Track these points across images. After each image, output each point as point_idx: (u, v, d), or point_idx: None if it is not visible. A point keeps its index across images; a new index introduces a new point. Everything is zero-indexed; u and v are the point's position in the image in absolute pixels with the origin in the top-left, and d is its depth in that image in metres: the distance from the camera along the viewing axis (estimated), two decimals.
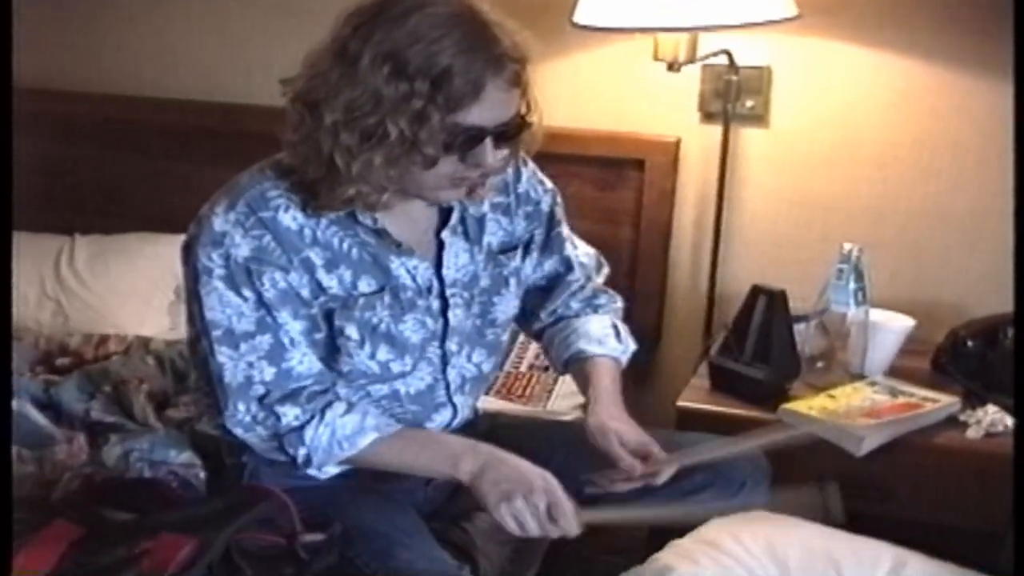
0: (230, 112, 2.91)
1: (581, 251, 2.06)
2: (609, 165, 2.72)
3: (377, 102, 1.60)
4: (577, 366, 1.97)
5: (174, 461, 2.04)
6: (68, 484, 1.93)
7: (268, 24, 2.90)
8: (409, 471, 1.81)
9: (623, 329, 2.04)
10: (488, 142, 1.65)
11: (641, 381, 2.78)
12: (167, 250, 2.35)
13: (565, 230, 2.03)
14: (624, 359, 2.02)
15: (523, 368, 2.59)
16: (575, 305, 2.03)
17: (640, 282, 2.76)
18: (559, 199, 2.01)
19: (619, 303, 2.08)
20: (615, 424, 1.83)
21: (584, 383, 1.94)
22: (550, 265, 2.02)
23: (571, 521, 1.67)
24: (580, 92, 2.70)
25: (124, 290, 2.73)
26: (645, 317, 2.78)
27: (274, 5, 2.91)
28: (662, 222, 2.72)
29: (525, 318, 2.05)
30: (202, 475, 1.96)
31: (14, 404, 2.23)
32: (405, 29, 1.60)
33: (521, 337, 2.55)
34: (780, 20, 2.31)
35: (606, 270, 2.10)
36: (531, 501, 1.66)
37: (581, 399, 2.42)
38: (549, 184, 1.99)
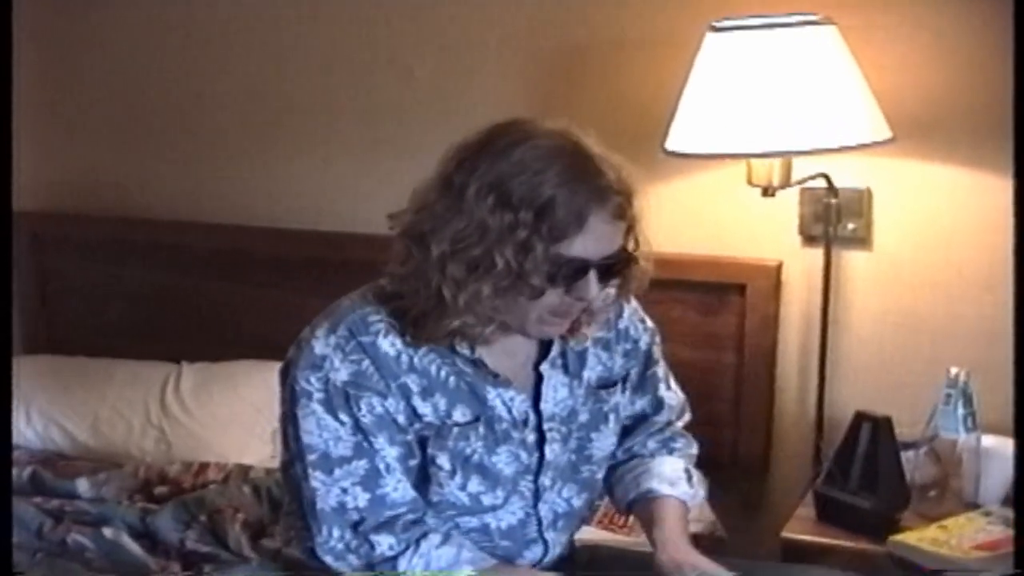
0: (335, 241, 2.96)
1: (671, 393, 2.04)
2: (711, 290, 2.69)
3: (483, 233, 1.61)
4: (644, 505, 1.92)
5: None
6: None
7: (370, 158, 2.97)
8: None
9: (696, 474, 1.99)
10: (592, 275, 1.65)
11: (749, 511, 2.73)
12: (271, 377, 2.36)
13: (661, 370, 2.01)
14: (693, 504, 1.96)
15: None
16: (651, 445, 1.99)
17: (745, 409, 2.72)
18: (658, 338, 2.00)
19: (695, 449, 2.04)
20: (691, 558, 1.77)
21: (650, 522, 1.87)
22: (640, 404, 2.00)
23: None
24: (680, 217, 2.69)
25: (227, 418, 2.76)
26: (751, 445, 2.73)
27: (375, 140, 2.98)
28: (766, 347, 2.68)
29: None
30: None
31: (109, 533, 2.26)
32: (509, 161, 1.62)
33: None
34: (873, 144, 2.30)
35: (688, 416, 2.06)
36: None
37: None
38: (650, 323, 1.98)
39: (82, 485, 2.52)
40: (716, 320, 2.71)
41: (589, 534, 2.26)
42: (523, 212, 1.59)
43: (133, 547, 2.24)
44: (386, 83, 2.97)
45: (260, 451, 2.69)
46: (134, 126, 3.26)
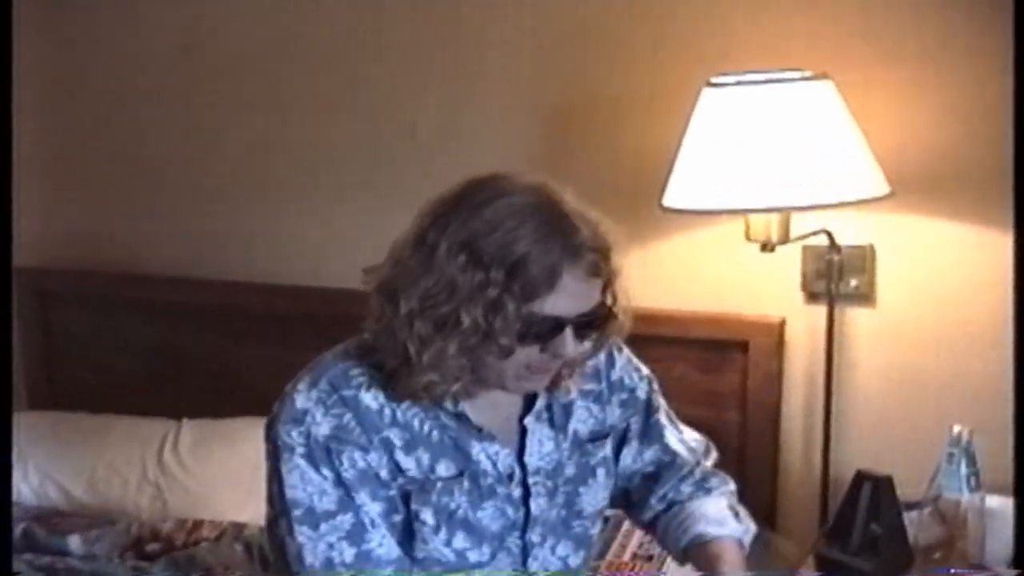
0: (337, 297, 2.93)
1: (688, 436, 2.00)
2: (713, 347, 2.67)
3: (452, 291, 1.59)
4: (698, 550, 1.86)
5: None
6: None
7: (372, 214, 2.96)
8: None
9: (741, 510, 1.95)
10: (568, 332, 1.62)
11: (754, 571, 2.68)
12: None
13: (664, 417, 1.98)
14: (747, 540, 1.91)
15: (626, 557, 2.51)
16: (686, 489, 1.95)
17: (750, 467, 2.68)
18: (655, 386, 1.96)
19: (732, 485, 1.99)
20: None
21: (709, 566, 1.82)
22: (651, 454, 1.96)
23: None
24: (681, 274, 2.68)
25: (224, 475, 2.74)
26: (756, 504, 2.66)
27: (377, 196, 2.98)
28: (769, 405, 2.64)
29: (635, 508, 1.98)
30: None
31: None
32: (482, 218, 1.60)
33: (626, 524, 2.49)
34: (871, 199, 2.28)
35: (715, 455, 2.02)
36: None
37: None
38: (645, 371, 1.95)
39: (74, 542, 2.51)
40: (718, 378, 2.68)
41: None
42: (494, 271, 1.57)
43: None
44: (388, 139, 2.98)
45: (256, 509, 2.61)
46: (136, 183, 3.29)
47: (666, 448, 1.96)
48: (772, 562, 2.66)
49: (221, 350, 3.14)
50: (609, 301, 1.70)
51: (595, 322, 1.67)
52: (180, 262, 3.22)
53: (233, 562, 2.34)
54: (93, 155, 3.32)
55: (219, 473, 2.77)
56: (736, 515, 1.91)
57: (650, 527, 1.98)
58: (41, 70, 3.25)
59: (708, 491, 1.95)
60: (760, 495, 2.68)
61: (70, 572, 2.38)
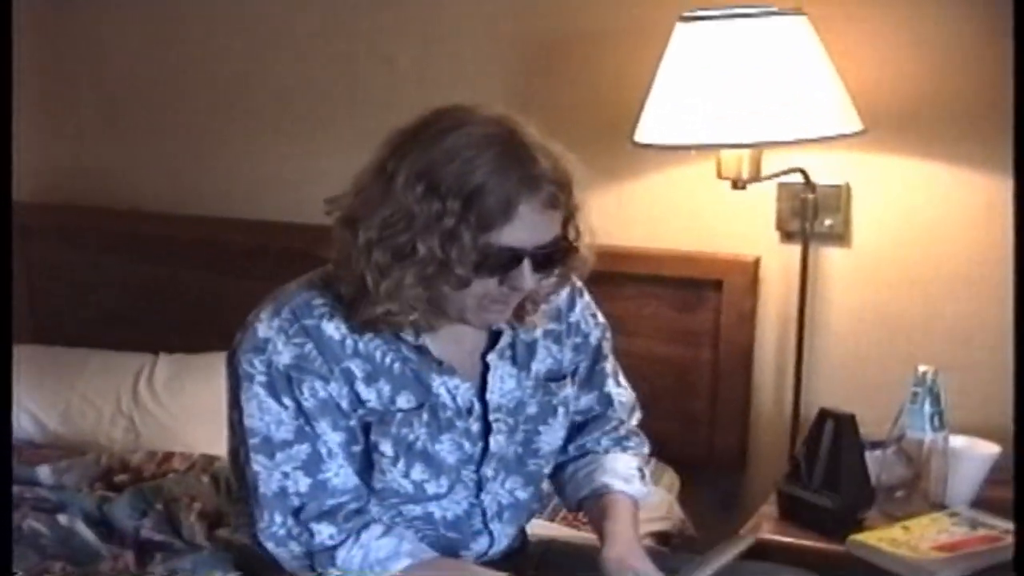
0: (315, 233, 2.93)
1: (623, 391, 2.01)
2: (687, 286, 2.66)
3: (410, 220, 1.59)
4: (596, 501, 1.88)
5: None
6: None
7: (352, 149, 2.93)
8: None
9: (648, 473, 1.97)
10: (526, 265, 1.62)
11: (724, 509, 2.70)
12: None
13: (609, 366, 1.98)
14: (643, 503, 1.93)
15: None
16: (605, 442, 1.96)
17: (721, 406, 2.69)
18: (608, 334, 1.97)
19: (647, 448, 2.01)
20: (636, 560, 1.74)
21: (601, 518, 1.83)
22: (587, 400, 1.96)
23: None
24: (656, 212, 2.67)
25: (198, 409, 2.73)
26: (727, 442, 2.70)
27: (358, 132, 2.94)
28: (742, 344, 2.64)
29: None
30: None
31: (64, 519, 2.24)
32: (440, 148, 1.59)
33: None
34: (841, 135, 2.26)
35: (639, 414, 2.03)
36: None
37: (652, 527, 2.36)
38: (601, 318, 1.96)
39: (43, 472, 2.51)
40: (692, 316, 2.67)
41: (550, 530, 2.23)
42: (451, 200, 1.57)
43: (87, 534, 2.23)
44: (369, 73, 2.96)
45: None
46: (120, 117, 3.26)
47: (604, 396, 1.97)
48: (747, 499, 2.68)
49: (201, 285, 3.13)
50: (571, 236, 1.69)
51: (554, 256, 1.67)
52: (160, 197, 3.21)
53: (200, 493, 2.34)
54: (77, 90, 3.30)
55: (192, 407, 2.77)
56: (643, 476, 1.93)
57: (553, 473, 1.97)
58: (28, 4, 3.23)
59: (624, 448, 1.96)
60: (731, 434, 2.70)
61: (38, 501, 2.38)
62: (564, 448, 1.95)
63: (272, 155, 3.08)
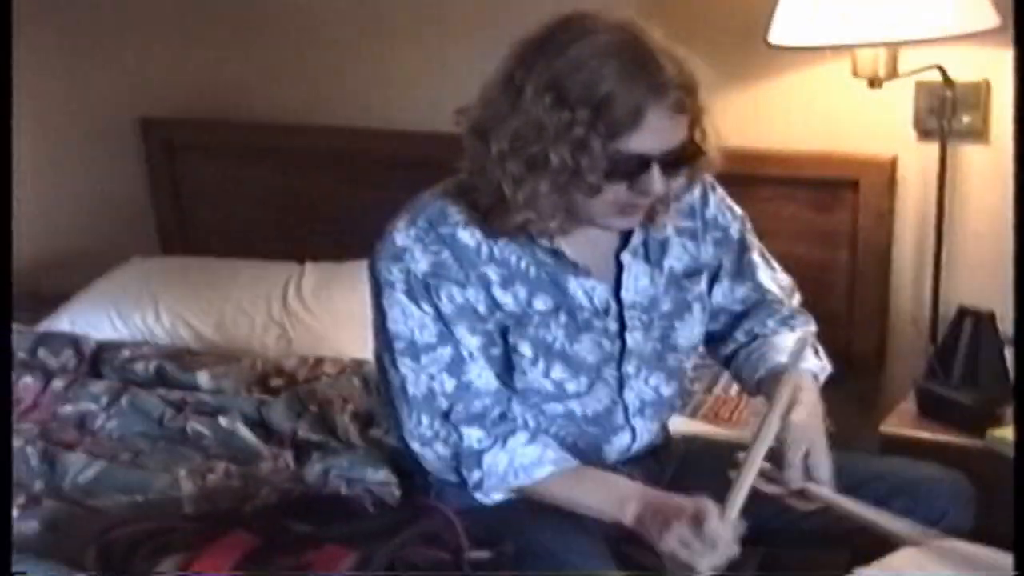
0: (452, 142, 2.99)
1: (779, 276, 2.02)
2: (824, 187, 2.65)
3: (540, 131, 1.62)
4: (773, 380, 1.87)
5: (371, 479, 2.11)
6: (266, 498, 2.02)
7: (487, 57, 2.96)
8: (576, 509, 1.80)
9: (820, 349, 1.97)
10: (655, 169, 1.64)
11: (861, 408, 2.71)
12: None
13: (757, 255, 1.99)
14: (822, 378, 1.92)
15: (732, 392, 2.54)
16: (771, 324, 1.97)
17: (859, 306, 2.69)
18: (748, 224, 1.98)
19: (814, 326, 2.01)
20: (815, 437, 1.76)
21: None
22: (742, 291, 1.98)
23: (726, 541, 1.64)
24: (791, 114, 2.66)
25: (345, 315, 2.81)
26: (865, 342, 2.70)
27: (493, 39, 2.97)
28: (880, 244, 2.63)
29: (717, 342, 2.01)
30: (397, 493, 1.99)
31: (225, 421, 2.36)
32: (567, 58, 1.62)
33: None
34: (980, 32, 2.23)
35: (798, 297, 2.04)
36: (689, 528, 1.64)
37: None
38: (738, 210, 1.97)
39: (202, 377, 2.62)
40: (829, 217, 2.67)
41: (693, 427, 2.27)
42: (579, 110, 1.59)
43: (247, 435, 2.34)
44: None
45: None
46: (256, 33, 3.32)
47: (758, 286, 1.98)
48: (885, 397, 2.69)
49: (341, 195, 3.20)
50: (697, 138, 1.71)
51: (682, 159, 1.69)
52: (300, 110, 3.27)
53: (351, 395, 2.42)
54: (214, 7, 3.38)
55: (340, 313, 2.85)
56: (816, 352, 1.93)
57: (728, 360, 2.01)
58: None
59: (792, 328, 1.96)
60: (869, 334, 2.70)
61: (199, 404, 2.50)
62: (731, 336, 1.98)
63: (408, 65, 3.12)
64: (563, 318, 1.79)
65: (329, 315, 2.89)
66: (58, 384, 2.67)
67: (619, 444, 1.90)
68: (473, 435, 1.77)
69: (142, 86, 3.46)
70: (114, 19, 3.45)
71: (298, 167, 3.28)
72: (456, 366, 1.77)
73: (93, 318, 3.02)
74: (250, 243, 3.27)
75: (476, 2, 3.01)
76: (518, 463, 1.77)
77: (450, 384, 1.77)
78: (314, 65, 3.26)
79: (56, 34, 3.53)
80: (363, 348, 2.67)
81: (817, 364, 1.91)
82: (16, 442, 2.32)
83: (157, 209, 3.50)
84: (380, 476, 2.09)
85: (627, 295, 1.83)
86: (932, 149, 2.52)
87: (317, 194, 3.26)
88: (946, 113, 2.46)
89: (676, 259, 1.88)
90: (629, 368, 1.85)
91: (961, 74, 2.45)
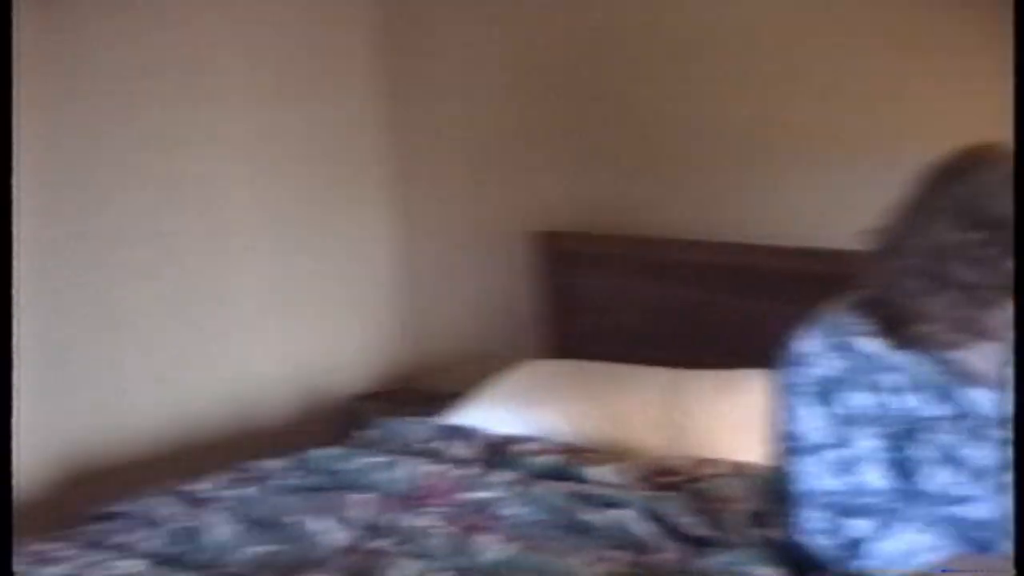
0: (836, 258, 3.08)
1: None
2: None
3: (947, 250, 1.77)
4: None
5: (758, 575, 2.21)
6: None
7: (869, 181, 3.08)
8: None
9: None
10: None
11: None
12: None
13: None
14: None
15: None
16: None
17: None
18: None
19: None
20: None
21: None
22: None
23: None
24: None
25: (728, 420, 2.97)
26: None
27: (875, 164, 3.10)
28: None
29: None
30: None
31: (618, 514, 2.52)
32: (970, 184, 1.78)
33: None
34: None
35: None
36: None
37: None
38: None
39: (595, 472, 2.77)
40: None
41: None
42: (979, 231, 1.73)
43: (636, 526, 2.48)
44: (880, 108, 3.14)
45: (755, 451, 2.86)
46: (644, 156, 3.61)
47: None
48: None
49: (722, 307, 3.38)
50: None
51: None
52: (682, 225, 3.50)
53: (739, 494, 2.53)
54: (604, 129, 3.67)
55: (722, 417, 3.00)
56: None
57: None
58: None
59: None
60: None
61: (592, 497, 2.63)
62: None
63: (792, 185, 3.31)
64: (958, 424, 1.89)
65: (710, 420, 3.03)
66: (458, 472, 2.85)
67: (1007, 547, 1.91)
68: (859, 525, 1.88)
69: (537, 202, 3.79)
70: (512, 145, 3.82)
71: (683, 279, 3.47)
72: (849, 467, 1.90)
73: (490, 414, 3.25)
74: (631, 350, 3.46)
75: (857, 131, 3.18)
76: (908, 549, 1.87)
77: (840, 483, 1.90)
78: (701, 185, 3.49)
79: (465, 164, 3.92)
80: (742, 452, 2.81)
81: None
82: (421, 521, 2.56)
83: (539, 316, 3.77)
84: (766, 572, 2.18)
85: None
86: None
87: (701, 305, 3.44)
88: None
89: None
90: None
91: None
